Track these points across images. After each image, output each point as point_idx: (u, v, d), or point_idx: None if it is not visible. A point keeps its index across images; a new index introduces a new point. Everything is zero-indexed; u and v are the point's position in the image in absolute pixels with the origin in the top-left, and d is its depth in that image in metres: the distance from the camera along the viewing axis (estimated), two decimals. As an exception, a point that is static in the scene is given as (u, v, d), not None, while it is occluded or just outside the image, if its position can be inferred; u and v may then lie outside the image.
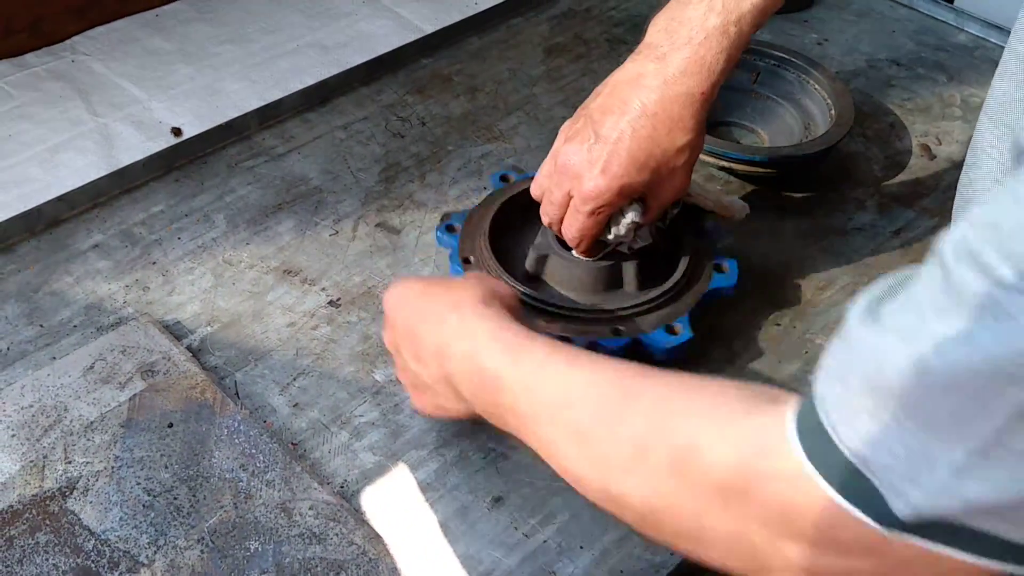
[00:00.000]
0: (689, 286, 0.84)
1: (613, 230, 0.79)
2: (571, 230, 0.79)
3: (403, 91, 1.13)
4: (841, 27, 1.28)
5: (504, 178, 0.94)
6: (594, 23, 1.26)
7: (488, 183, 0.99)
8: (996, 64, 1.23)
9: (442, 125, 1.09)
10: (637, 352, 0.80)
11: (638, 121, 0.74)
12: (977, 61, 1.23)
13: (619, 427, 0.52)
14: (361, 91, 1.13)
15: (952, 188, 1.05)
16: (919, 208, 1.01)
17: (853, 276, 0.93)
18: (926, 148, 1.09)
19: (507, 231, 0.88)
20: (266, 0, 1.27)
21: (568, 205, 0.78)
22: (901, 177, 1.05)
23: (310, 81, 1.12)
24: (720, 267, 0.87)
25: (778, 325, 0.88)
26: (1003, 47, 1.27)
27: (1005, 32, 1.24)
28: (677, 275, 0.84)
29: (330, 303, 0.88)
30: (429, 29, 1.22)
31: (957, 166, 1.06)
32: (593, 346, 0.79)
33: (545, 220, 0.82)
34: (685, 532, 0.50)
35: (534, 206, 0.84)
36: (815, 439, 0.42)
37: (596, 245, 0.81)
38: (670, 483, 0.49)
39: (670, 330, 0.81)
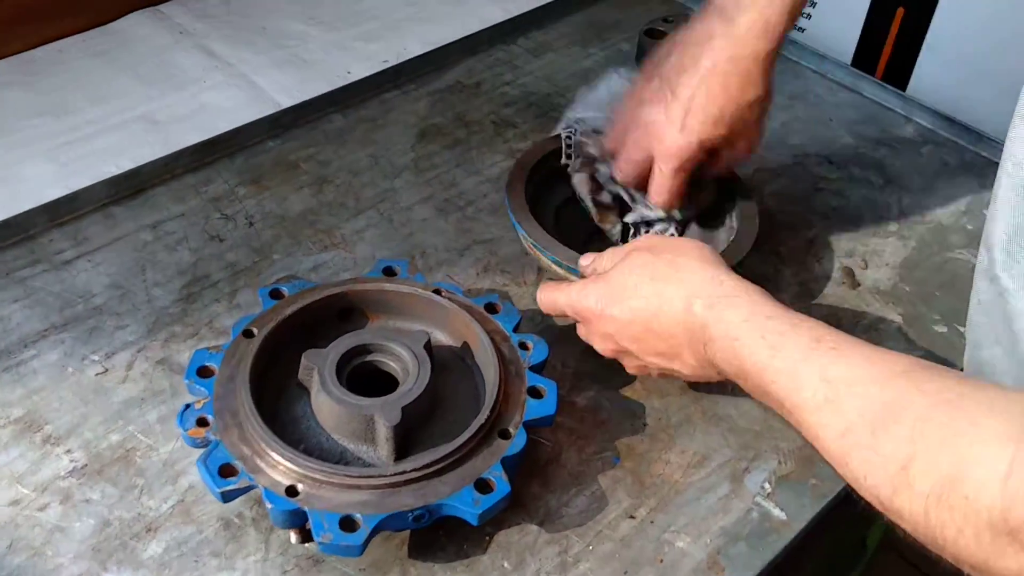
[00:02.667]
0: (497, 424, 0.68)
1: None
2: (661, 192, 0.82)
3: (236, 180, 0.96)
4: (770, 114, 1.10)
5: (276, 293, 0.76)
6: (482, 101, 1.09)
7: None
8: (945, 165, 1.06)
9: (273, 226, 0.91)
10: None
11: (711, 79, 0.77)
12: (923, 160, 1.05)
13: (882, 437, 0.51)
14: (185, 179, 0.95)
15: (877, 324, 0.88)
16: (832, 353, 0.83)
17: (737, 450, 0.76)
18: (849, 273, 0.91)
19: (277, 370, 0.72)
20: (102, 63, 1.10)
21: (647, 165, 0.82)
22: (814, 312, 0.87)
23: (128, 165, 0.94)
24: (537, 391, 0.71)
25: (632, 518, 0.70)
26: (955, 142, 1.11)
27: (958, 125, 1.07)
28: (485, 411, 0.68)
29: (72, 471, 0.70)
30: (286, 102, 1.05)
31: (883, 298, 0.89)
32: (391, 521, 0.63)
33: (620, 177, 0.85)
34: (972, 565, 0.48)
35: (317, 326, 0.75)
36: None
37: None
38: (942, 514, 0.47)
39: (482, 487, 0.65)
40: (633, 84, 0.85)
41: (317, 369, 0.70)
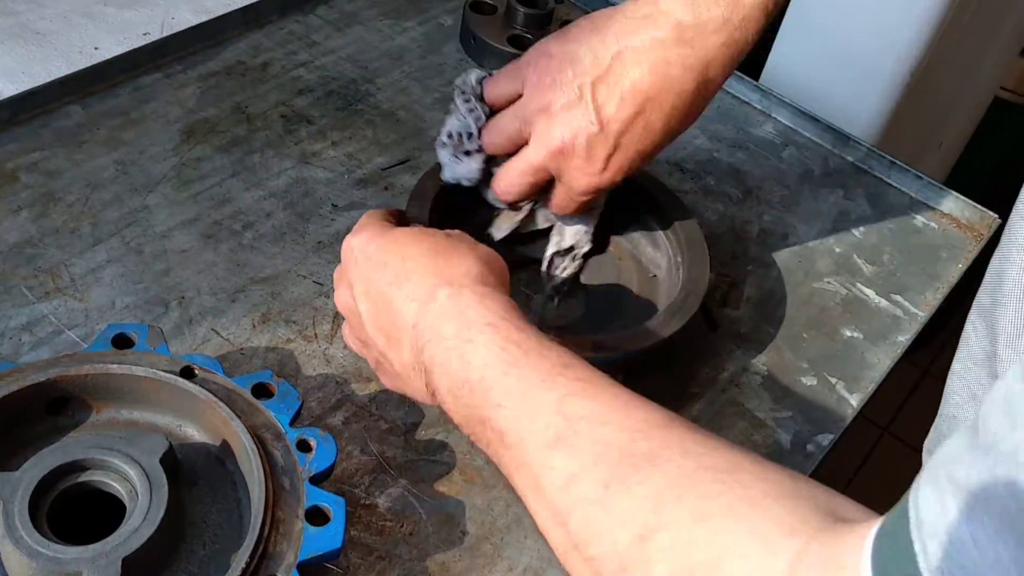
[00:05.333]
0: (262, 568, 0.51)
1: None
2: (566, 207, 0.67)
3: (-74, 201, 0.72)
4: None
5: None
6: (269, 87, 0.88)
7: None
8: (808, 172, 0.94)
9: (-25, 265, 0.69)
10: None
11: (652, 115, 0.61)
12: (785, 166, 0.93)
13: (618, 495, 0.40)
14: None
15: (738, 378, 0.71)
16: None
17: None
18: (706, 312, 0.77)
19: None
20: None
21: (534, 167, 0.64)
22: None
23: None
24: (320, 514, 0.54)
25: (446, 674, 0.55)
26: (818, 144, 0.99)
27: (820, 124, 0.95)
28: (244, 554, 0.50)
29: None
30: (8, 90, 0.81)
31: (744, 343, 0.75)
32: None
33: (491, 150, 0.67)
34: None
35: (17, 425, 0.55)
36: None
37: None
38: None
39: None
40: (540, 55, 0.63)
41: (3, 503, 0.50)
